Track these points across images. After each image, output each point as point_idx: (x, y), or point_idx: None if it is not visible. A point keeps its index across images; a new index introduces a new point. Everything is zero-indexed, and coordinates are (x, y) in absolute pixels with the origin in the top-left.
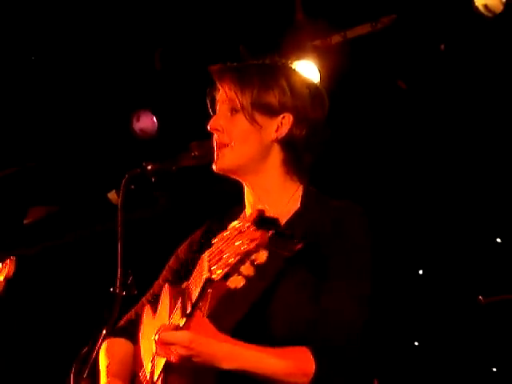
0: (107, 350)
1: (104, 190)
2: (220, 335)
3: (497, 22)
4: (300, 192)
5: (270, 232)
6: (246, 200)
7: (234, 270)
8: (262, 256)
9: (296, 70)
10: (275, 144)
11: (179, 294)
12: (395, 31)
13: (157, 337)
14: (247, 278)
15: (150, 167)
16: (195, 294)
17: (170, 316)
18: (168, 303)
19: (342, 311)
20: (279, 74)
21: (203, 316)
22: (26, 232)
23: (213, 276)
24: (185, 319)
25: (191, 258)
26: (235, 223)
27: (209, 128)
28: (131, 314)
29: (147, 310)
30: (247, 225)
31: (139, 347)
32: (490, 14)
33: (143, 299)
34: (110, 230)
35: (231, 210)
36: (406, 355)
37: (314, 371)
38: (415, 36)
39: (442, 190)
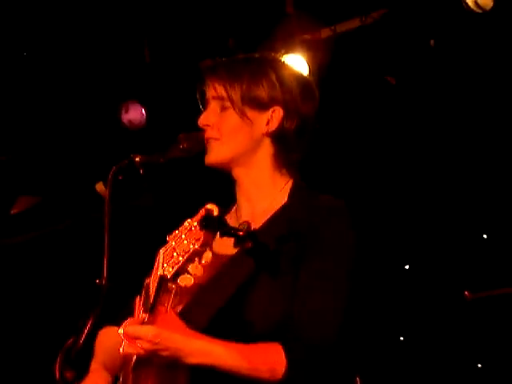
0: (98, 339)
1: (91, 181)
2: (187, 330)
3: (487, 18)
4: (289, 186)
5: (214, 232)
6: (237, 193)
7: (182, 268)
8: (207, 256)
9: (285, 63)
10: (265, 138)
11: (144, 289)
12: (385, 26)
13: (122, 331)
14: (196, 277)
15: (137, 159)
16: (153, 290)
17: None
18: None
19: (318, 311)
20: (268, 67)
21: (167, 311)
22: (12, 221)
23: (165, 273)
24: (147, 314)
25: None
26: (187, 221)
27: (199, 124)
28: (126, 306)
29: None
30: (195, 224)
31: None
32: (479, 10)
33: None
34: (96, 221)
35: (222, 203)
36: (391, 350)
37: (284, 369)
38: (405, 31)
39: (428, 184)
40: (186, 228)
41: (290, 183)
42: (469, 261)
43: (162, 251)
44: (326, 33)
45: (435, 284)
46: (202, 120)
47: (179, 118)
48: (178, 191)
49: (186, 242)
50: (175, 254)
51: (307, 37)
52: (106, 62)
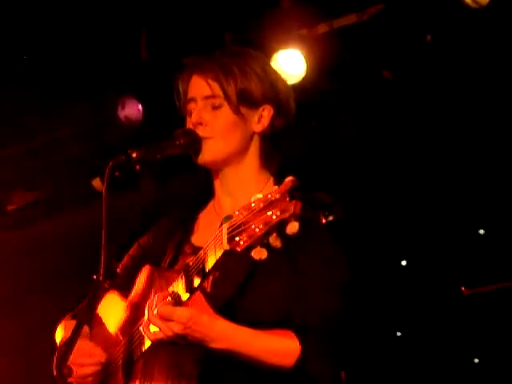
0: (65, 328)
1: (88, 177)
2: (213, 314)
3: (483, 13)
4: (271, 183)
5: (302, 202)
6: (217, 189)
7: (259, 240)
8: (293, 226)
9: (265, 58)
10: (256, 135)
11: (173, 271)
12: (382, 21)
13: (155, 311)
14: (273, 249)
15: (134, 155)
16: (206, 267)
17: (154, 295)
18: (149, 284)
19: (322, 298)
20: (253, 62)
21: (202, 293)
22: (9, 216)
23: (236, 247)
24: (189, 294)
25: (167, 243)
26: (259, 195)
27: (192, 122)
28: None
29: (112, 294)
30: (278, 195)
31: (102, 330)
32: (476, 6)
33: (100, 285)
34: (93, 216)
35: (197, 199)
36: (388, 345)
37: (299, 353)
38: (402, 27)
39: (424, 180)
40: (265, 200)
41: (272, 181)
42: (465, 256)
43: (224, 227)
44: (323, 28)
45: (432, 280)
46: (195, 118)
47: (176, 113)
48: (175, 185)
49: (269, 213)
50: (251, 226)
51: (304, 32)
52: (103, 58)
